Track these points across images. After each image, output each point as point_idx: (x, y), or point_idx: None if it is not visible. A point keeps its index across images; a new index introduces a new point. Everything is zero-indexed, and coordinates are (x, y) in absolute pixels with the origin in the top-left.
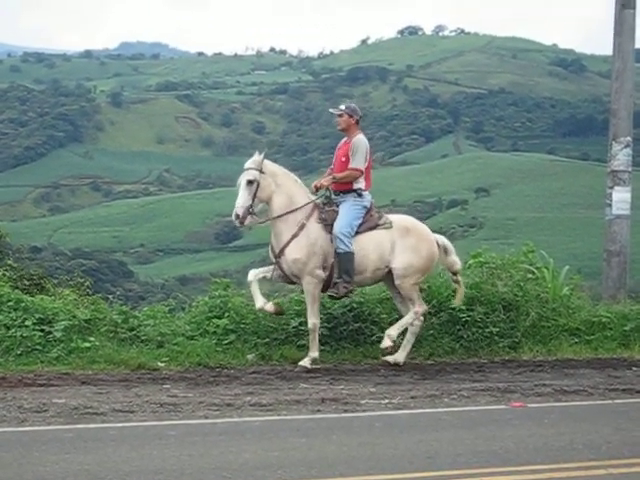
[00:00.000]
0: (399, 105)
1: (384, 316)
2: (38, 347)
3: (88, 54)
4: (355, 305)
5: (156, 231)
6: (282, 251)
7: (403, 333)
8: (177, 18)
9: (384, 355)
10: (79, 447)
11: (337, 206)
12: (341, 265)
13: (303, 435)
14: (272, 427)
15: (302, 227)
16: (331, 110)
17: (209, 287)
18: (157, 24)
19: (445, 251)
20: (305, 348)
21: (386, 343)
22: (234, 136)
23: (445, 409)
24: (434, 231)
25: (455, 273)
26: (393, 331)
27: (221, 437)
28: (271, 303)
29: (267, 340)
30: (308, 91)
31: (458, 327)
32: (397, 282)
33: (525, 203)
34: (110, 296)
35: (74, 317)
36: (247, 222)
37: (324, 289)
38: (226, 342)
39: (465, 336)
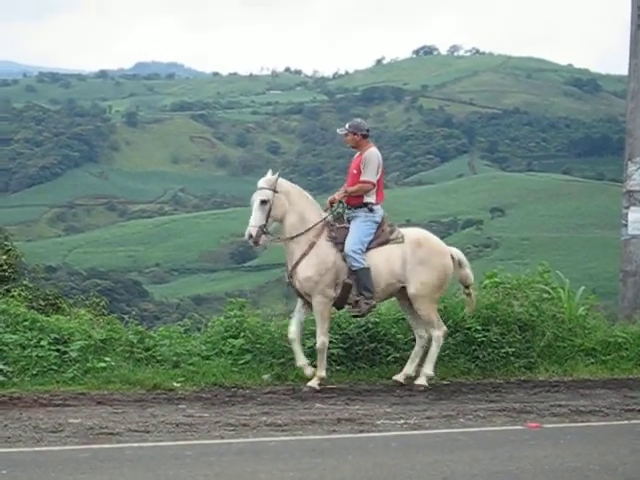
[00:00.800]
0: (414, 125)
1: (400, 336)
2: (54, 367)
3: (103, 74)
4: (371, 325)
5: (171, 251)
6: (294, 270)
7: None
8: (192, 38)
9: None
10: (95, 467)
11: (348, 222)
12: (359, 282)
13: (319, 455)
14: (288, 447)
15: (312, 246)
16: (337, 131)
17: (224, 307)
18: (172, 44)
19: (460, 264)
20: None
21: (422, 381)
22: (249, 156)
23: (461, 429)
24: None
25: (467, 286)
26: (428, 369)
27: (237, 457)
28: (311, 368)
29: (283, 360)
30: (323, 111)
31: (474, 347)
32: (415, 305)
33: (540, 223)
34: (125, 316)
35: (90, 337)
36: (261, 242)
37: (339, 307)
38: (242, 362)
39: (481, 356)
